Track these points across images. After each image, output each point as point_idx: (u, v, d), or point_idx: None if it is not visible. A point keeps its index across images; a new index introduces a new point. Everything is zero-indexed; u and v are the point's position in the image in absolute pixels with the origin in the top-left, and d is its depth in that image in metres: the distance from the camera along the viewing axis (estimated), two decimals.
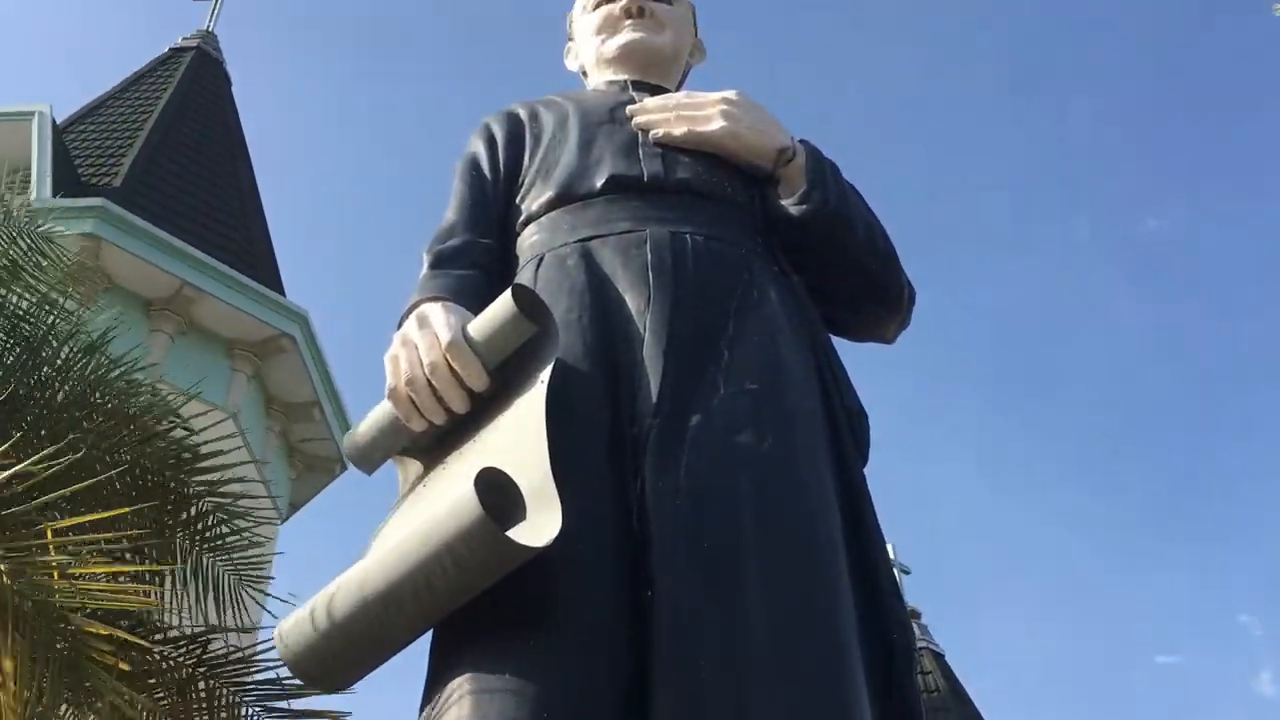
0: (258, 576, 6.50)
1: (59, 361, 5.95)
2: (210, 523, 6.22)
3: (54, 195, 11.30)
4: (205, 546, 6.22)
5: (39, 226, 6.57)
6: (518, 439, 1.50)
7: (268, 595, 6.44)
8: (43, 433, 5.51)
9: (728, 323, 1.71)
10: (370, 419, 1.71)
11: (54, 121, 12.34)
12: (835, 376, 1.80)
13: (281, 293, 13.35)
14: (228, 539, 6.28)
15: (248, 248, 13.44)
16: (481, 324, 1.61)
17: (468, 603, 1.40)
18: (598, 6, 2.34)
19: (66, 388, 5.81)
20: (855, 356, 2.09)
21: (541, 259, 1.84)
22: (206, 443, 6.36)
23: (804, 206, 1.90)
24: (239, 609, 6.33)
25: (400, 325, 1.75)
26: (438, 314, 1.67)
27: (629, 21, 2.28)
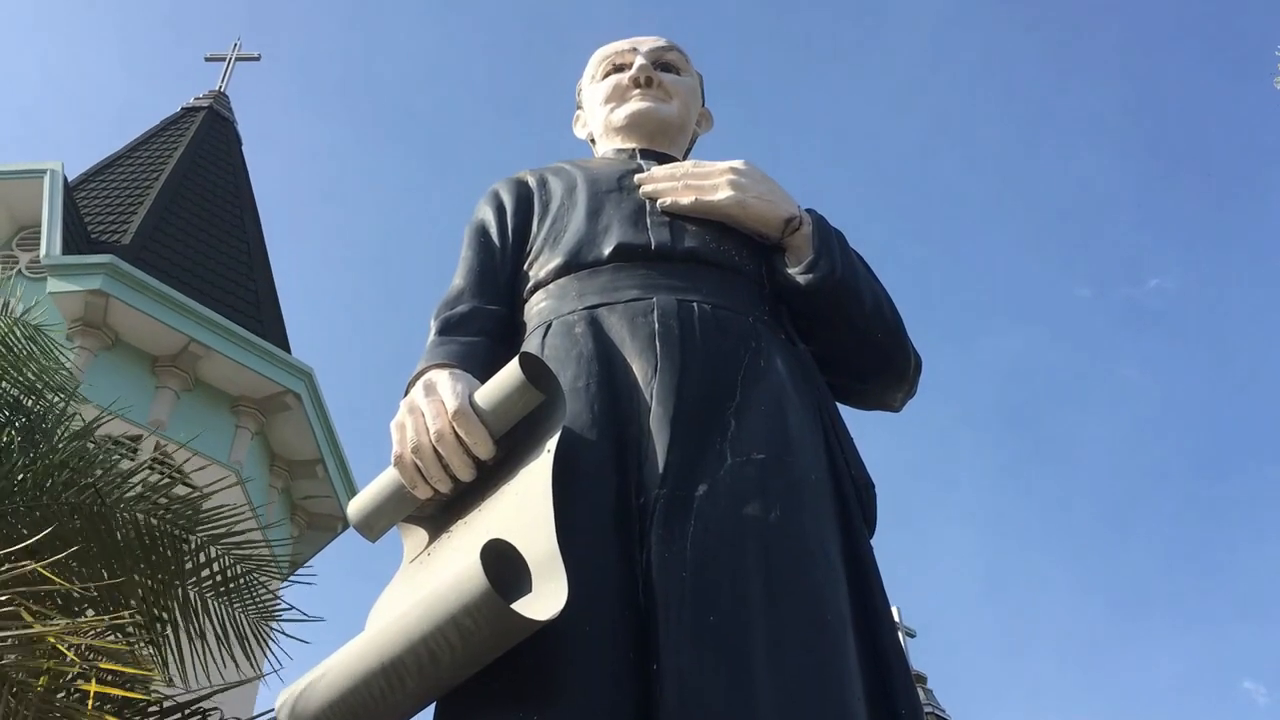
0: (274, 612, 6.45)
1: (52, 441, 6.00)
2: (219, 566, 6.19)
3: (64, 252, 11.38)
4: (217, 590, 6.19)
5: (30, 316, 6.70)
6: (523, 509, 1.49)
7: (282, 634, 6.39)
8: (38, 514, 5.53)
9: (734, 391, 1.71)
10: (374, 486, 1.71)
11: (65, 179, 12.45)
12: (842, 446, 1.80)
13: (287, 349, 13.39)
14: (237, 580, 6.26)
15: (254, 305, 13.50)
16: (488, 392, 1.61)
17: (471, 676, 1.39)
18: (606, 76, 2.37)
19: (62, 468, 5.83)
20: (860, 417, 2.09)
21: (549, 326, 1.85)
22: (206, 492, 6.37)
23: (810, 275, 1.91)
24: (253, 652, 6.27)
25: (407, 392, 1.75)
26: (445, 381, 1.67)
27: (637, 91, 2.31)
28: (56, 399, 6.48)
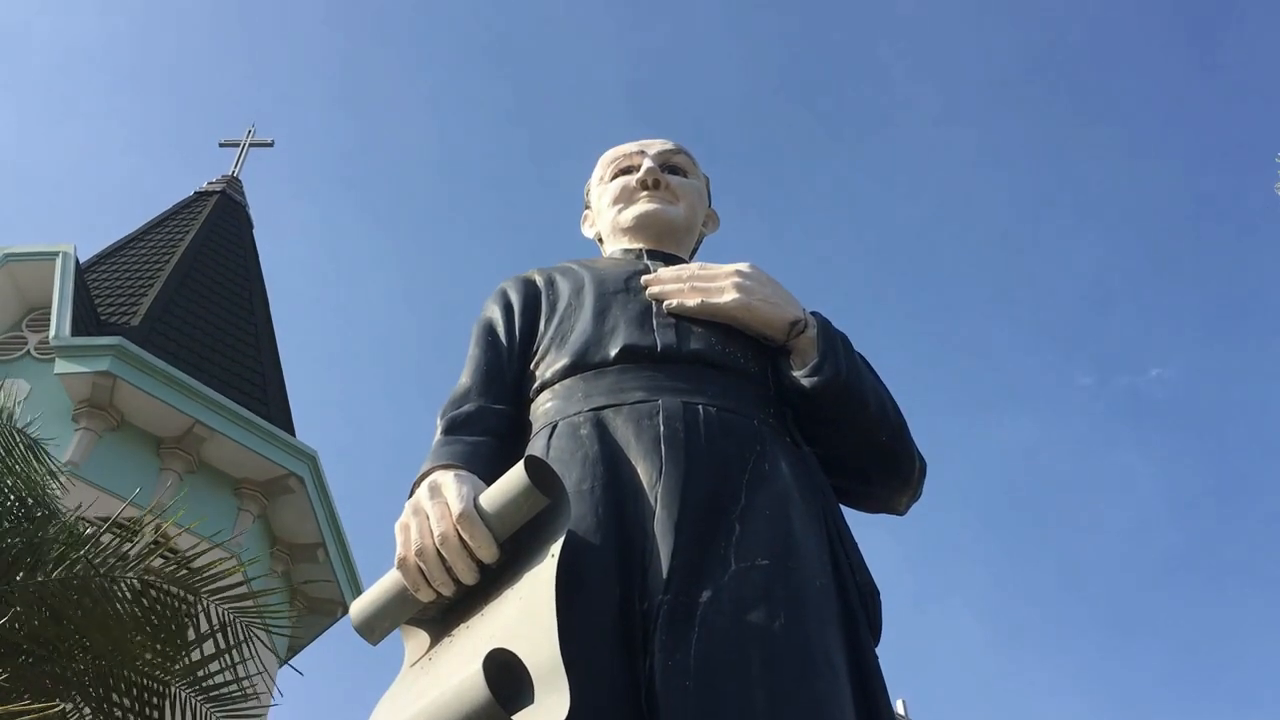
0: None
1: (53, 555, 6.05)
2: (221, 621, 6.23)
3: (73, 334, 11.45)
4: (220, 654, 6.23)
5: (27, 425, 6.84)
6: (526, 615, 1.49)
7: None
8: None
9: (739, 495, 1.71)
10: (377, 588, 1.70)
11: (77, 261, 12.59)
12: (847, 551, 1.79)
13: (292, 432, 13.39)
14: (239, 642, 6.31)
15: (260, 387, 13.54)
16: (493, 495, 1.61)
17: None
18: (615, 178, 2.41)
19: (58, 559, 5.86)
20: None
21: (555, 427, 1.85)
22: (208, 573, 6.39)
23: (815, 378, 1.91)
24: None
25: (412, 493, 1.75)
26: (450, 483, 1.67)
27: (645, 193, 2.34)
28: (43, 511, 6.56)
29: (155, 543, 6.89)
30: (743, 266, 2.06)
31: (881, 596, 1.80)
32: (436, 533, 1.61)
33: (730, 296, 1.99)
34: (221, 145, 18.49)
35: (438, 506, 1.64)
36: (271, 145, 18.49)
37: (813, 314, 2.04)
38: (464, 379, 2.02)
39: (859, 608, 1.71)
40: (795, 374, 1.94)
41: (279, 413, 13.51)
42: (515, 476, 1.59)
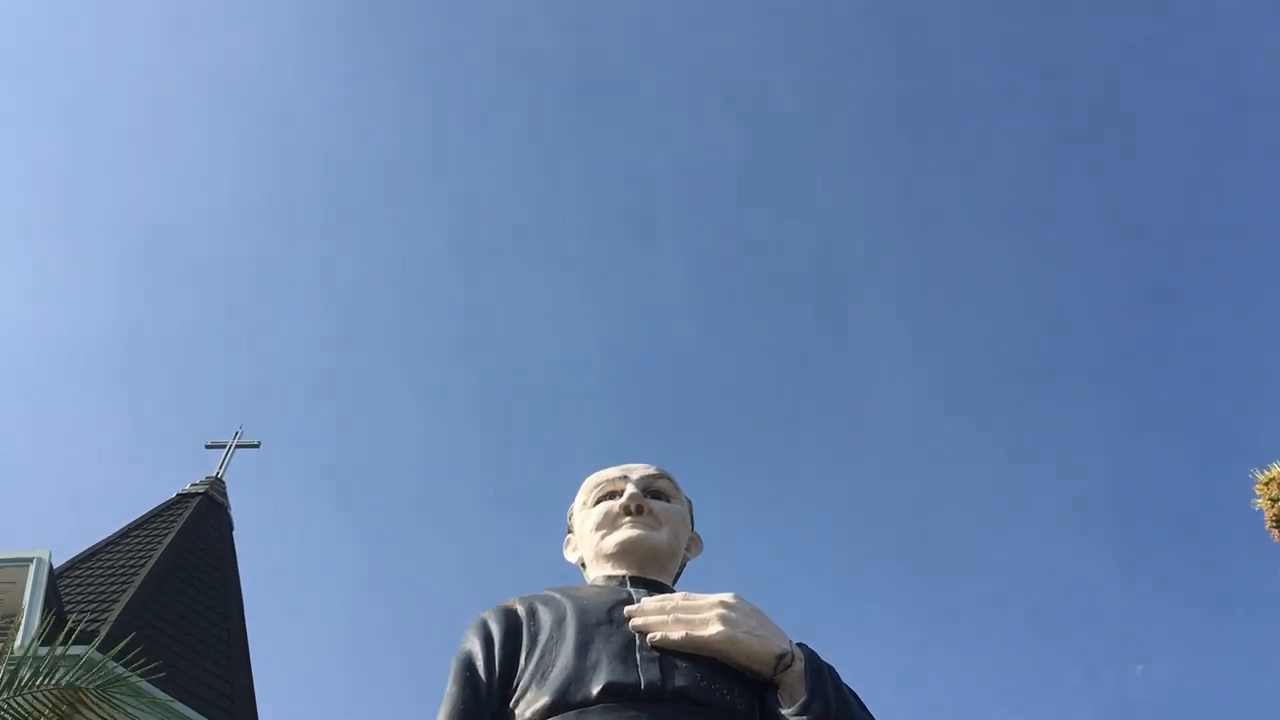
0: None
1: None
2: None
3: (40, 643, 11.09)
4: None
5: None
6: None
7: None
8: None
9: None
10: None
11: (51, 567, 12.38)
12: None
13: None
14: None
15: (229, 696, 13.02)
16: None
17: None
18: (598, 502, 2.43)
19: None
20: None
21: None
22: None
23: (804, 717, 1.85)
24: None
25: None
26: None
27: (628, 518, 2.35)
28: None
29: None
30: (727, 597, 2.03)
31: None
32: None
33: (715, 629, 1.95)
34: (208, 447, 18.62)
35: None
36: (258, 447, 18.61)
37: (799, 645, 2.00)
38: (441, 719, 1.94)
39: None
40: (784, 711, 1.88)
41: None
42: None
